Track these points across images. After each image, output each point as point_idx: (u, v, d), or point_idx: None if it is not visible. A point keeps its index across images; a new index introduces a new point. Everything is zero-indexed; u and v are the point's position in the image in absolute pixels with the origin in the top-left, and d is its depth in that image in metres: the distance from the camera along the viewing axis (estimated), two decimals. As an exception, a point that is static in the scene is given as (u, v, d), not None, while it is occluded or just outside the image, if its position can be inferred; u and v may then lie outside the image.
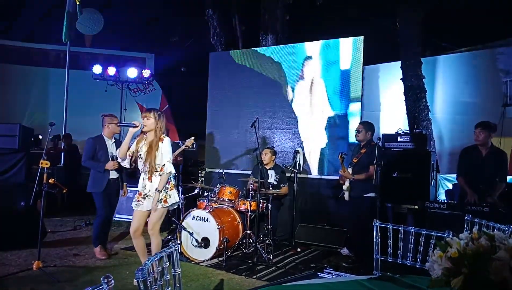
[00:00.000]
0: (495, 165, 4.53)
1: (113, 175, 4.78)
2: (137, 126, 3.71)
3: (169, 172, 3.69)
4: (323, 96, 6.47)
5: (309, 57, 6.65)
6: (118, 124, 4.46)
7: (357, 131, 5.04)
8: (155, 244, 3.79)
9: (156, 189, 3.67)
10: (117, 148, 4.66)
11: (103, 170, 4.65)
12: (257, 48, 7.63)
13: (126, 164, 3.85)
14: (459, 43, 9.38)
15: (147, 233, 3.80)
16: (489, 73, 9.28)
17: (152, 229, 3.75)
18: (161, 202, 3.69)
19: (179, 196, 3.87)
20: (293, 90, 6.73)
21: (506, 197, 4.51)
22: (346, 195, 4.99)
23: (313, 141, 6.48)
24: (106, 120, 4.81)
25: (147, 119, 3.72)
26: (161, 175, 3.68)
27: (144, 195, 3.74)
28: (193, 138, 5.64)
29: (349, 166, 5.01)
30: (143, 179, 3.77)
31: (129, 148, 3.78)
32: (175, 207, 4.01)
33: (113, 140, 4.87)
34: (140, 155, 3.74)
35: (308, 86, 6.61)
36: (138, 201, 3.76)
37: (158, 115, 3.76)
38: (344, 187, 4.98)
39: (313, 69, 6.59)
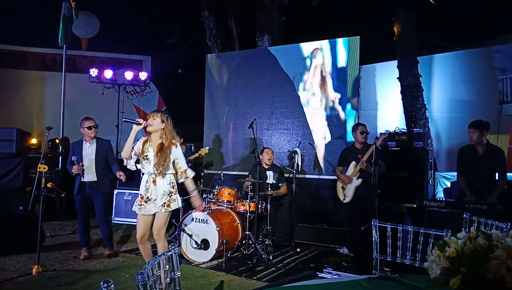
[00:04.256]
0: (493, 163, 4.55)
1: (88, 178, 4.80)
2: (141, 124, 3.59)
3: (191, 176, 3.77)
4: (319, 96, 6.48)
5: (305, 58, 6.66)
6: (124, 120, 4.21)
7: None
8: (162, 248, 3.67)
9: (190, 191, 3.78)
10: (96, 151, 4.83)
11: (72, 173, 4.78)
12: (253, 49, 7.64)
13: (131, 165, 3.74)
14: (455, 41, 9.41)
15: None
16: (485, 71, 9.32)
17: (158, 234, 3.65)
18: (164, 206, 3.58)
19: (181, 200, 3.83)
20: (289, 91, 6.73)
21: (504, 194, 4.52)
22: (349, 197, 4.97)
23: (311, 141, 6.49)
24: (81, 124, 4.87)
25: (153, 119, 3.61)
26: (186, 178, 3.75)
27: (146, 198, 3.60)
28: (207, 147, 5.86)
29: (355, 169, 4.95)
30: (147, 182, 3.61)
31: (133, 148, 3.66)
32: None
33: (93, 143, 4.86)
34: (147, 156, 3.61)
35: (304, 87, 6.62)
36: (141, 205, 3.60)
37: (165, 117, 3.65)
38: (350, 191, 4.93)
39: (309, 70, 6.60)
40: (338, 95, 6.33)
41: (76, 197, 4.89)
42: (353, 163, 4.97)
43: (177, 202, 3.68)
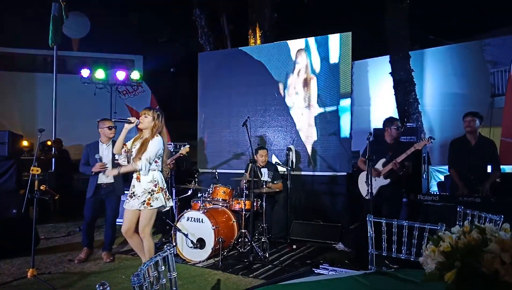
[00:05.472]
0: (485, 154, 4.58)
1: (104, 179, 4.75)
2: (132, 122, 3.69)
3: (137, 168, 3.63)
4: (313, 92, 6.48)
5: (298, 54, 6.65)
6: (113, 120, 4.37)
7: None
8: (147, 247, 3.73)
9: (118, 170, 3.75)
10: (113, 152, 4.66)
11: (92, 172, 4.67)
12: (245, 47, 7.62)
13: (122, 161, 3.80)
14: (446, 35, 9.47)
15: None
16: (476, 65, 9.40)
17: (143, 232, 3.69)
18: (144, 204, 3.62)
19: (166, 200, 3.73)
20: (283, 88, 6.73)
21: (496, 186, 4.56)
22: (373, 194, 4.56)
23: (305, 138, 6.50)
24: (99, 125, 4.82)
25: (145, 116, 3.70)
26: (132, 162, 3.65)
27: (132, 193, 3.69)
28: (188, 146, 5.65)
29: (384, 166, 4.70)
30: (133, 178, 3.74)
31: (125, 144, 3.76)
32: (164, 209, 3.87)
33: (109, 144, 4.79)
34: (132, 151, 3.71)
35: (298, 83, 6.62)
36: (127, 199, 3.73)
37: (157, 115, 3.72)
38: (374, 189, 4.59)
39: (302, 66, 6.60)
40: (331, 92, 6.34)
41: (89, 200, 4.79)
42: (383, 160, 4.70)
43: (159, 201, 3.67)
